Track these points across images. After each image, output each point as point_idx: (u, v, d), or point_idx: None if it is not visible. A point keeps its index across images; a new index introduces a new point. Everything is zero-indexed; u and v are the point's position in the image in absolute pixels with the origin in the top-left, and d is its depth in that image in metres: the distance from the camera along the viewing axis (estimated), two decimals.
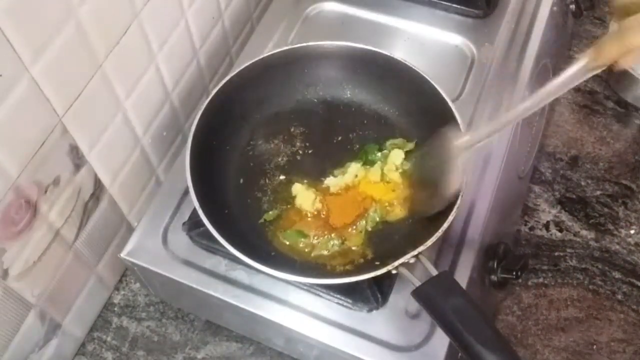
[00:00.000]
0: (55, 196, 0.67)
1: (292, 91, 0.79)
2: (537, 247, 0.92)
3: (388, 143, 0.76)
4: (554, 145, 1.02)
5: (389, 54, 0.73)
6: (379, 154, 0.75)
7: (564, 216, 0.95)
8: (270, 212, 0.72)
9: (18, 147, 0.59)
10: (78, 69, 0.63)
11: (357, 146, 0.76)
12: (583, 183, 0.98)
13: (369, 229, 0.71)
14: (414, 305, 0.67)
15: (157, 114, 0.81)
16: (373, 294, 0.67)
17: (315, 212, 0.71)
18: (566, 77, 0.60)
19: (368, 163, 0.75)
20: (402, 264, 0.61)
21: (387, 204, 0.72)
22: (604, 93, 1.07)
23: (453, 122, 0.68)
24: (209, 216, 0.64)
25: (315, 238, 0.69)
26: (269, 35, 0.90)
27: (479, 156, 0.77)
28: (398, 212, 0.72)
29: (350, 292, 0.67)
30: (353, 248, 0.69)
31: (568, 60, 1.10)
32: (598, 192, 0.97)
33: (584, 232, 0.93)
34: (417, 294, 0.58)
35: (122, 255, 0.72)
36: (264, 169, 0.76)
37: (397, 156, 0.74)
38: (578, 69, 0.60)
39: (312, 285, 0.69)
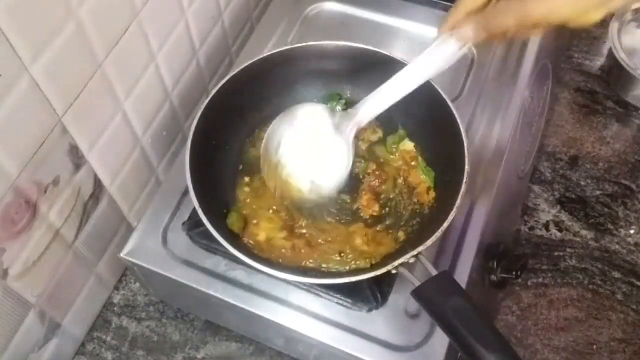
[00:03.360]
0: (55, 196, 0.67)
1: (292, 91, 0.79)
2: (537, 247, 0.92)
3: (389, 141, 0.76)
4: (554, 145, 1.02)
5: (389, 54, 0.73)
6: (339, 107, 0.78)
7: (564, 216, 0.95)
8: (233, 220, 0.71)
9: (18, 147, 0.59)
10: (78, 69, 0.63)
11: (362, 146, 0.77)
12: (583, 183, 0.98)
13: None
14: (414, 305, 0.67)
15: (157, 114, 0.81)
16: (373, 294, 0.67)
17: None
18: (445, 55, 0.62)
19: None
20: (402, 264, 0.61)
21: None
22: (604, 93, 1.07)
23: (453, 122, 0.69)
24: (209, 216, 0.64)
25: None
26: (269, 35, 0.90)
27: (480, 156, 0.77)
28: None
29: (350, 292, 0.67)
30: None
31: (569, 60, 1.10)
32: (598, 192, 0.97)
33: (584, 232, 0.93)
34: (417, 294, 0.59)
35: (122, 255, 0.72)
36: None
37: (408, 145, 0.76)
38: (458, 44, 0.60)
39: (312, 285, 0.69)
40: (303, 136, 0.70)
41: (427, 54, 0.64)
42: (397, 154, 0.76)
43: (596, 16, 0.52)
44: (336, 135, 0.69)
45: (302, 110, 0.72)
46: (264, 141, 0.73)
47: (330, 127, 0.70)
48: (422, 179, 0.73)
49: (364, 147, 0.77)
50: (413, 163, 0.75)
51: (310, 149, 0.70)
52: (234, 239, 0.67)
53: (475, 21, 0.58)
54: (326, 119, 0.70)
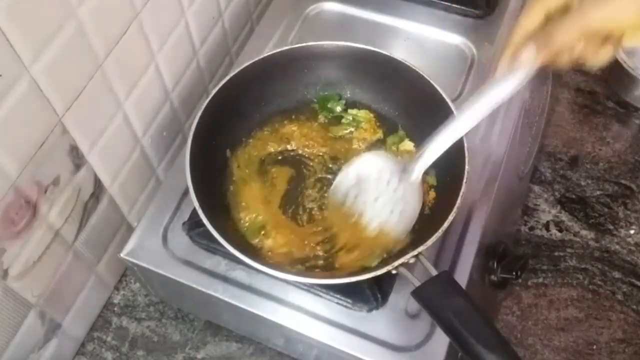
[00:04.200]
0: (55, 196, 0.67)
1: (292, 91, 0.79)
2: (537, 247, 0.92)
3: (389, 141, 0.76)
4: (554, 145, 1.02)
5: (389, 54, 0.73)
6: (338, 107, 0.78)
7: (564, 216, 0.95)
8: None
9: (18, 147, 0.59)
10: (78, 69, 0.63)
11: (362, 146, 0.77)
12: (583, 183, 0.98)
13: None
14: (414, 305, 0.67)
15: (157, 114, 0.81)
16: (373, 294, 0.67)
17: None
18: (507, 88, 0.57)
19: (326, 110, 0.78)
20: (402, 264, 0.61)
21: None
22: (604, 93, 1.07)
23: None
24: (209, 216, 0.64)
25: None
26: (269, 35, 0.90)
27: (480, 156, 0.77)
28: None
29: (350, 292, 0.67)
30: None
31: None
32: (598, 192, 0.97)
33: (584, 232, 0.93)
34: (417, 294, 0.59)
35: (122, 255, 0.72)
36: (264, 169, 0.75)
37: (408, 145, 0.76)
38: (521, 73, 0.56)
39: (312, 285, 0.69)
40: (368, 185, 0.69)
41: (489, 90, 0.59)
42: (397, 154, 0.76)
43: None
44: (401, 181, 0.68)
45: (364, 161, 0.71)
46: (332, 192, 0.72)
47: (394, 174, 0.68)
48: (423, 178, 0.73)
49: (363, 147, 0.77)
50: None
51: (378, 197, 0.68)
52: (234, 238, 0.67)
53: (536, 40, 0.53)
54: (389, 166, 0.69)
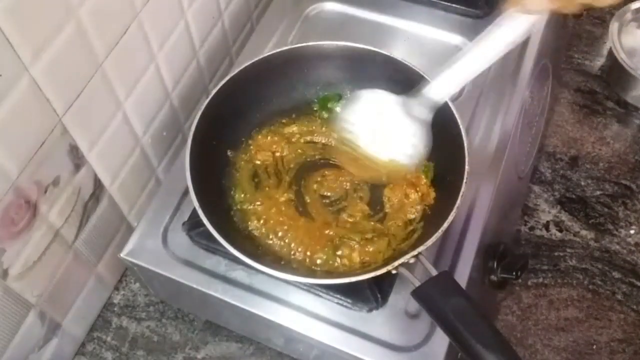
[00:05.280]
0: (55, 196, 0.67)
1: (292, 91, 0.79)
2: (537, 247, 0.92)
3: None
4: (554, 145, 1.02)
5: (389, 54, 0.73)
6: (338, 108, 0.78)
7: (564, 216, 0.95)
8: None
9: (18, 147, 0.59)
10: (78, 69, 0.63)
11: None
12: (583, 183, 0.98)
13: None
14: (414, 305, 0.67)
15: (157, 114, 0.81)
16: (373, 294, 0.67)
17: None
18: (515, 32, 0.58)
19: (326, 110, 0.78)
20: (402, 264, 0.61)
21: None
22: (604, 93, 1.07)
23: (453, 122, 0.68)
24: (208, 216, 0.64)
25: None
26: (269, 35, 0.90)
27: (480, 156, 0.77)
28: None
29: (350, 292, 0.67)
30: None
31: (569, 60, 1.10)
32: (598, 192, 0.97)
33: (584, 232, 0.94)
34: (417, 294, 0.59)
35: (122, 255, 0.72)
36: (264, 169, 0.75)
37: None
38: (528, 17, 0.56)
39: (312, 285, 0.69)
40: (375, 121, 0.73)
41: (496, 32, 0.60)
42: None
43: None
44: (408, 118, 0.71)
45: (368, 96, 0.74)
46: (339, 122, 0.76)
47: (398, 112, 0.71)
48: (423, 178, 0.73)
49: None
50: None
51: (384, 133, 0.72)
52: (234, 238, 0.67)
53: None
54: (392, 105, 0.72)
